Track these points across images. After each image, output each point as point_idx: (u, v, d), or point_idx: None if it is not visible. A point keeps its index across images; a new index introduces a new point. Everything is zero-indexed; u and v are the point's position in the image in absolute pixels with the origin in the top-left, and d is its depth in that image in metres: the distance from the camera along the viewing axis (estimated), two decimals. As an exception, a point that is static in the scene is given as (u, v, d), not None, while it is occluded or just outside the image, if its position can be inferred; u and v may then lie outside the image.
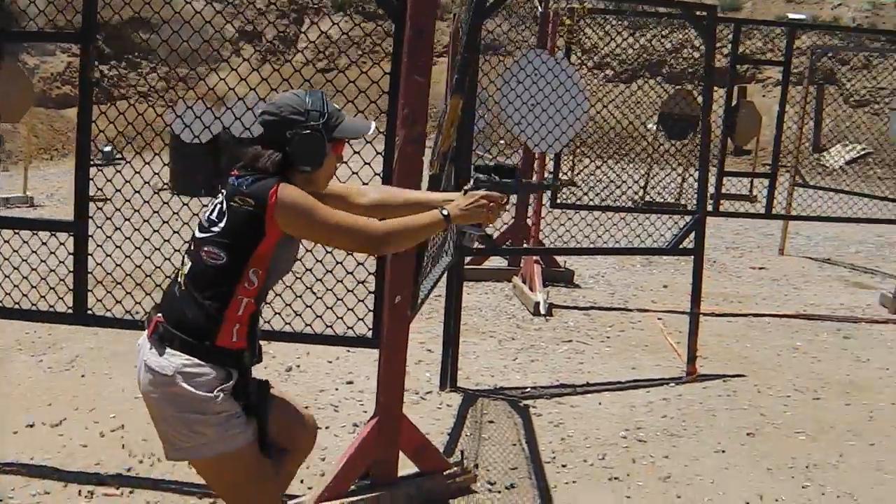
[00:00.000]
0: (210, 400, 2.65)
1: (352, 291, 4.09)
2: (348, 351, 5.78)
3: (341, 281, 4.15)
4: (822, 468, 4.53)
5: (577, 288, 8.30)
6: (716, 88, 5.88)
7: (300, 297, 4.17)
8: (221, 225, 2.70)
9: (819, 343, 6.79)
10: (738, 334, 6.97)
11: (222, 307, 2.70)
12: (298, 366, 5.74)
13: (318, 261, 4.12)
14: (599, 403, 5.38)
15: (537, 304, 7.33)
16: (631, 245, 7.72)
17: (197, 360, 2.66)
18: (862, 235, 11.67)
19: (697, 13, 5.74)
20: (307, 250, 3.95)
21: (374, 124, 2.97)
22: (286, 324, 4.16)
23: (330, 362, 5.79)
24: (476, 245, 3.32)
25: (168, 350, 2.68)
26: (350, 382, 5.44)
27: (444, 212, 2.86)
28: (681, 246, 5.88)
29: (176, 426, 2.69)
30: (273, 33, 22.01)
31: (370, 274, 3.95)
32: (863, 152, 18.62)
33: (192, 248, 2.77)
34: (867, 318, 7.61)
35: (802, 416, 5.24)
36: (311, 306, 4.20)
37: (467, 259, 7.67)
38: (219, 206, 2.74)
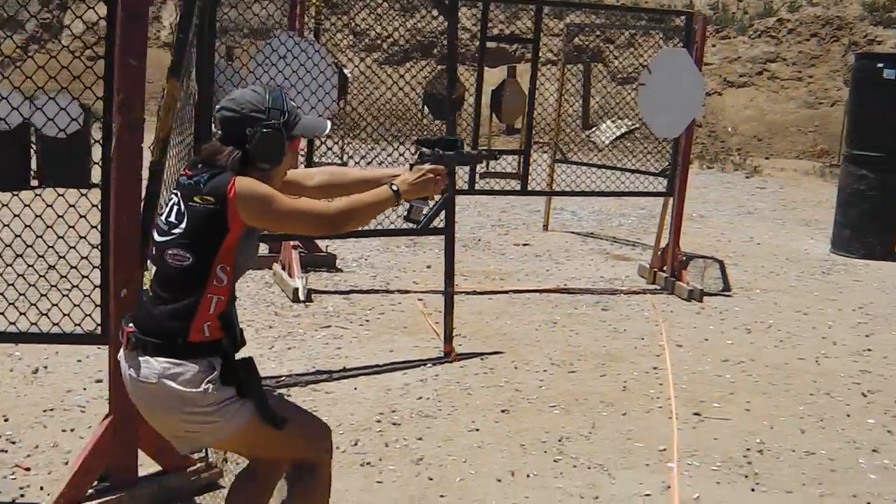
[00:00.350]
0: (201, 394, 2.82)
1: (77, 287, 4.09)
2: (98, 349, 5.71)
3: (66, 276, 4.14)
4: (575, 440, 4.93)
5: (340, 272, 8.49)
6: (488, 68, 6.13)
7: (24, 294, 4.12)
8: (183, 226, 2.83)
9: (578, 316, 7.27)
10: (499, 311, 7.37)
11: (192, 308, 2.83)
12: (46, 367, 5.67)
13: (39, 256, 4.09)
14: (355, 388, 5.59)
15: (296, 290, 7.47)
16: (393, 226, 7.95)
17: (175, 360, 2.81)
18: (626, 209, 12.46)
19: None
20: (28, 245, 3.93)
21: (329, 123, 3.23)
22: (10, 323, 4.10)
23: (79, 361, 5.74)
24: (422, 219, 3.70)
25: (143, 358, 2.84)
26: (99, 381, 5.38)
27: (394, 187, 3.12)
28: (431, 226, 6.14)
29: (179, 425, 2.88)
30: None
31: (95, 268, 3.96)
32: (631, 128, 19.72)
33: (155, 252, 2.91)
34: (625, 289, 8.20)
35: (557, 390, 5.64)
36: (35, 304, 4.16)
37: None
38: (175, 207, 2.87)
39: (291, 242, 8.02)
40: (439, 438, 4.88)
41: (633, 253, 9.83)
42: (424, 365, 6.04)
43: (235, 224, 2.83)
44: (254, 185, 2.85)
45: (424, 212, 3.49)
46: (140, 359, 2.85)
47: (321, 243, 8.72)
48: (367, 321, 7.00)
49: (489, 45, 7.65)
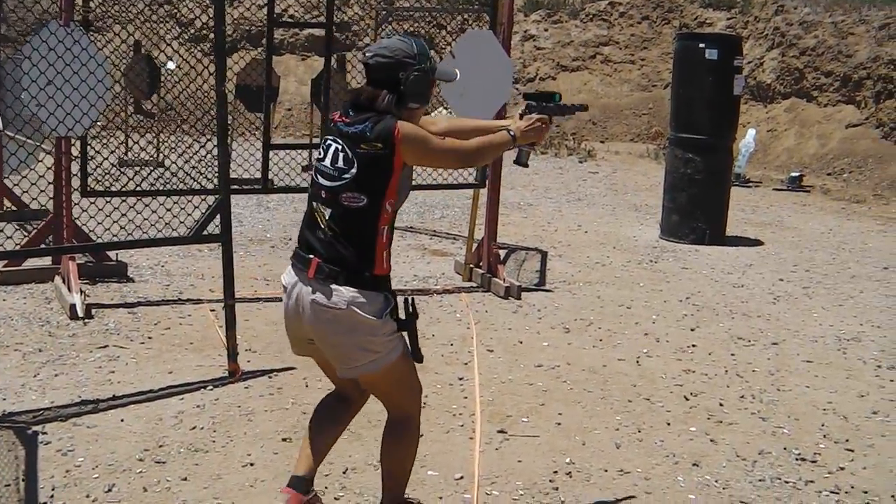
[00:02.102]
0: (381, 323, 3.32)
1: None
2: None
3: None
4: (361, 471, 4.41)
5: (131, 282, 7.70)
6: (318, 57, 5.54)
7: None
8: (353, 171, 3.28)
9: (384, 322, 6.69)
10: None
11: (372, 241, 3.30)
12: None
13: None
14: (122, 420, 4.91)
15: (72, 306, 6.69)
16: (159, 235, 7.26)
17: (363, 290, 3.28)
18: (450, 200, 11.97)
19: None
20: None
21: (457, 71, 3.77)
22: None
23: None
24: (528, 163, 3.95)
25: (334, 287, 3.28)
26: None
27: (511, 132, 3.65)
28: (206, 232, 5.49)
29: (351, 349, 3.35)
30: None
31: None
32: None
33: (325, 195, 3.33)
34: (438, 288, 7.68)
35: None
36: None
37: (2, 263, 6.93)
38: (342, 154, 3.31)
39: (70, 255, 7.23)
40: (207, 477, 4.27)
41: (452, 247, 9.32)
42: (205, 387, 5.39)
43: (398, 163, 3.28)
44: (414, 129, 3.33)
45: (531, 157, 3.94)
46: (332, 286, 3.28)
47: (111, 253, 7.91)
48: (150, 338, 6.28)
49: (316, 32, 7.03)
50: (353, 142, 3.28)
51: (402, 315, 3.42)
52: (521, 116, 3.76)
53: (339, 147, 3.32)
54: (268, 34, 6.92)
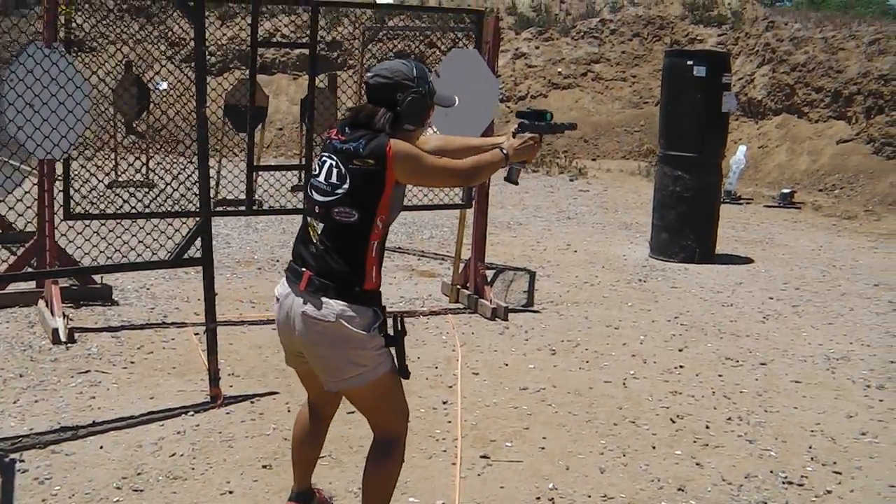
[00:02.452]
0: (369, 337, 3.38)
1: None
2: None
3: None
4: (342, 499, 4.34)
5: (116, 305, 7.64)
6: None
7: None
8: (346, 186, 3.35)
9: (369, 344, 6.64)
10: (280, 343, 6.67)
11: (362, 256, 3.38)
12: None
13: None
14: (101, 447, 4.86)
15: (55, 330, 6.63)
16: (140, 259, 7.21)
17: (352, 304, 3.34)
18: (439, 220, 11.93)
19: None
20: None
21: (456, 97, 3.84)
22: None
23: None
24: (519, 181, 4.01)
25: (324, 299, 3.35)
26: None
27: (504, 151, 3.73)
28: (187, 255, 5.44)
29: (339, 363, 3.40)
30: None
31: None
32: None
33: (318, 210, 3.42)
34: (425, 310, 7.63)
35: (331, 435, 4.92)
36: None
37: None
38: (335, 170, 3.40)
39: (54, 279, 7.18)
40: (185, 506, 4.20)
41: (440, 268, 9.28)
42: (186, 413, 5.33)
43: (390, 180, 3.35)
44: (407, 146, 3.41)
45: (521, 174, 3.97)
46: (322, 299, 3.35)
47: (96, 277, 7.85)
48: (133, 362, 6.22)
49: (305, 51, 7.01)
50: (346, 158, 3.38)
51: (390, 331, 3.48)
52: (514, 135, 3.85)
53: (334, 163, 3.42)
54: (251, 54, 6.86)
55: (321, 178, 3.45)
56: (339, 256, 3.37)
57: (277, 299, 3.56)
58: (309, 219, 3.49)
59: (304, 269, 3.43)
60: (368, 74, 3.55)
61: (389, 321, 3.48)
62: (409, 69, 3.49)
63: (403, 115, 3.45)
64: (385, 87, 3.46)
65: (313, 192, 3.48)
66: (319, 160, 3.51)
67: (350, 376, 3.42)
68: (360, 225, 3.35)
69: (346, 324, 3.33)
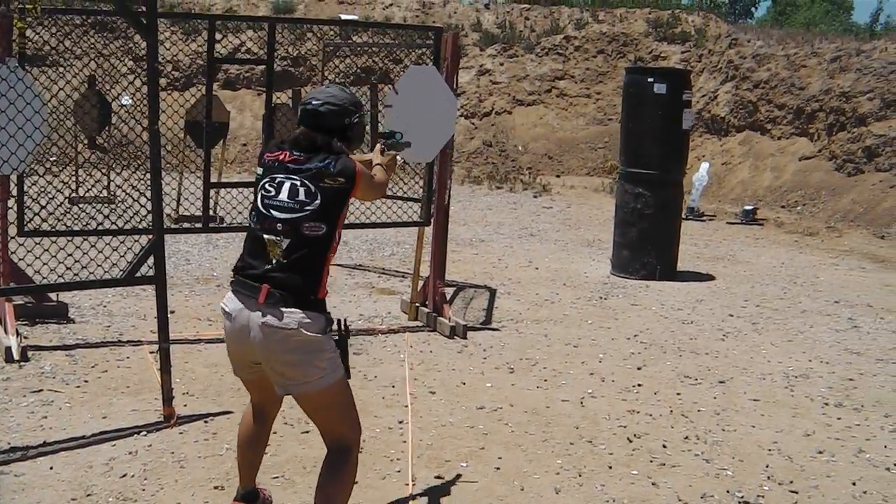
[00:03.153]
0: (324, 340, 3.64)
1: None
2: None
3: None
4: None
5: (72, 323, 7.54)
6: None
7: None
8: (317, 203, 3.62)
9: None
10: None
11: (321, 267, 3.67)
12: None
13: None
14: (51, 468, 4.78)
15: (7, 349, 6.54)
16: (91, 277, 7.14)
17: (309, 312, 3.57)
18: (401, 237, 11.90)
19: (135, 9, 5.27)
20: None
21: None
22: None
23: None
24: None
25: (284, 309, 3.54)
26: None
27: (379, 164, 4.23)
28: (139, 273, 5.38)
29: (300, 367, 3.61)
30: None
31: None
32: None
33: (282, 227, 3.62)
34: (384, 328, 7.59)
35: (285, 456, 5.01)
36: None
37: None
38: (301, 188, 3.64)
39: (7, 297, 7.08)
40: (133, 530, 4.15)
41: (401, 286, 9.23)
42: (139, 433, 5.27)
43: (351, 197, 3.74)
44: (364, 168, 3.85)
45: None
46: (282, 309, 3.54)
47: (52, 294, 7.76)
48: (87, 381, 6.14)
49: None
50: (315, 177, 3.64)
51: (334, 336, 3.74)
52: (382, 152, 4.35)
53: (298, 182, 3.65)
54: (208, 70, 6.83)
55: (282, 198, 3.65)
56: (302, 268, 3.60)
57: (229, 314, 3.72)
58: (266, 236, 3.65)
59: (260, 284, 3.60)
60: (316, 101, 3.79)
61: (334, 326, 3.74)
62: (349, 95, 3.86)
63: (353, 138, 3.86)
64: (334, 113, 3.77)
65: (272, 212, 3.66)
66: (272, 181, 3.71)
67: (309, 380, 3.61)
68: (326, 237, 3.64)
69: (304, 330, 3.55)
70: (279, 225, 3.63)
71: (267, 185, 3.72)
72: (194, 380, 6.19)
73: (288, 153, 3.74)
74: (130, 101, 12.50)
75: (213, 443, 5.16)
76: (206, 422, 5.47)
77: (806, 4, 49.33)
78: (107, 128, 13.87)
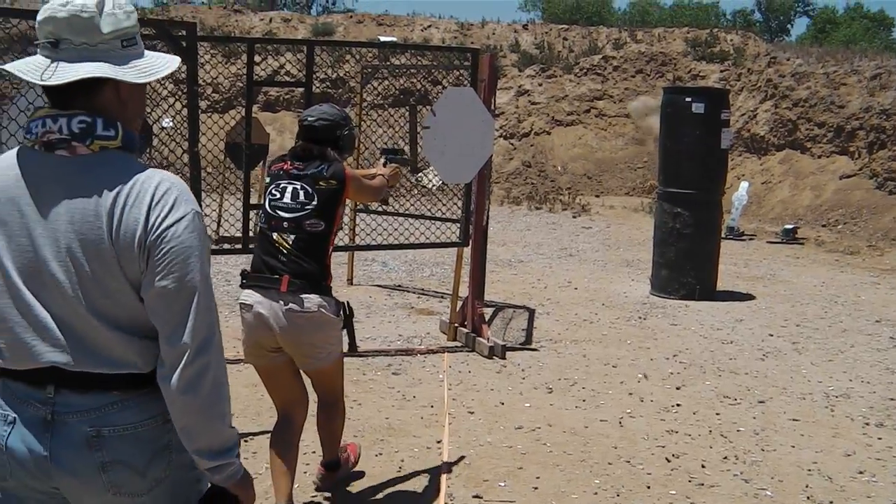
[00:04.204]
0: (338, 319, 4.31)
1: None
2: None
3: None
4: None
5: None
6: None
7: None
8: (315, 203, 4.25)
9: (364, 383, 6.65)
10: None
11: (325, 257, 4.29)
12: None
13: None
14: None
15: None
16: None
17: (324, 296, 4.18)
18: (440, 257, 11.92)
19: (175, 33, 5.35)
20: None
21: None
22: None
23: None
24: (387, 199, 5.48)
25: (304, 296, 4.13)
26: None
27: (381, 175, 4.83)
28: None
29: (319, 345, 4.25)
30: None
31: None
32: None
33: (287, 225, 4.24)
34: (423, 348, 7.61)
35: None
36: None
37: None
38: (301, 191, 4.27)
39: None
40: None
41: (440, 306, 9.25)
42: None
43: (345, 197, 4.38)
44: (353, 171, 4.52)
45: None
46: (302, 296, 4.13)
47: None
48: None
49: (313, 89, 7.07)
50: (312, 180, 4.27)
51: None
52: (385, 165, 4.98)
53: (298, 186, 4.28)
54: (248, 93, 6.91)
55: (286, 200, 4.28)
56: (310, 259, 4.20)
57: (250, 306, 4.19)
58: (275, 234, 4.25)
59: (279, 276, 4.14)
60: (311, 118, 4.43)
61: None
62: (338, 110, 4.52)
63: (344, 147, 4.49)
64: (327, 127, 4.41)
65: (279, 212, 4.28)
66: (277, 187, 4.32)
67: (324, 354, 4.28)
68: (326, 232, 4.27)
69: (324, 311, 4.18)
70: (285, 223, 4.25)
71: (273, 190, 4.32)
72: (235, 399, 6.15)
73: (290, 163, 4.37)
74: (171, 123, 12.63)
75: (253, 462, 5.19)
76: (245, 441, 5.50)
77: (846, 22, 48.99)
78: (148, 150, 14.05)
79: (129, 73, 2.25)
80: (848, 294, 10.69)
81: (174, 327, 2.18)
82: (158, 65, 2.34)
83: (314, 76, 6.98)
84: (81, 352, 2.19)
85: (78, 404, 2.20)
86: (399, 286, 10.32)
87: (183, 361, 2.17)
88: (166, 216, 2.16)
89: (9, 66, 2.19)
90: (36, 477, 2.23)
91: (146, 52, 2.35)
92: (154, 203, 2.15)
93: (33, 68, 2.16)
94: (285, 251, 4.20)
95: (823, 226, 15.87)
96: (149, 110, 14.79)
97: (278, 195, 4.29)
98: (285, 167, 4.36)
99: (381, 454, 5.34)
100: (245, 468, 2.37)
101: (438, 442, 5.53)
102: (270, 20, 25.21)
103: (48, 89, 2.19)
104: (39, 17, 2.17)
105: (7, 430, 2.22)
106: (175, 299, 2.17)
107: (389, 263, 11.54)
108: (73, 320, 2.18)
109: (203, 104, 20.51)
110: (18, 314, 2.19)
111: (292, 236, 4.22)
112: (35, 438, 2.20)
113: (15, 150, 2.26)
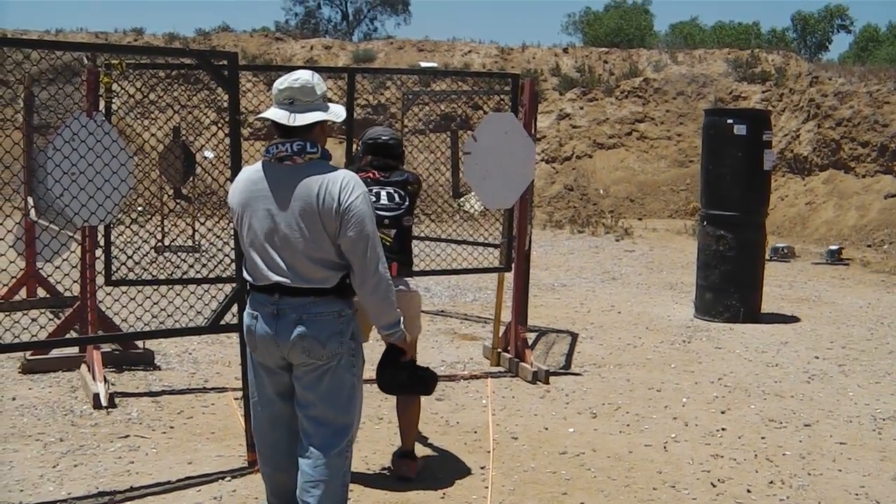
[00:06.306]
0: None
1: None
2: None
3: None
4: None
5: (157, 370, 7.70)
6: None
7: None
8: (407, 203, 5.26)
9: (408, 409, 6.62)
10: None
11: (411, 245, 5.40)
12: None
13: None
14: (138, 513, 4.86)
15: (96, 395, 6.70)
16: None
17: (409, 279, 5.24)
18: (483, 283, 11.92)
19: (215, 62, 5.42)
20: None
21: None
22: None
23: None
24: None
25: (406, 279, 5.18)
26: None
27: (400, 328, 4.82)
28: (223, 322, 5.50)
29: (415, 318, 5.18)
30: None
31: None
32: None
33: (388, 222, 5.14)
34: (466, 373, 7.60)
35: (368, 502, 5.00)
36: None
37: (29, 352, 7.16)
38: (396, 194, 5.26)
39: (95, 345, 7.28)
40: (220, 574, 4.21)
41: (483, 331, 9.25)
42: (224, 478, 5.34)
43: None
44: None
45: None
46: (406, 279, 5.18)
47: (138, 342, 7.94)
48: (172, 427, 6.26)
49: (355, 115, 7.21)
50: (401, 185, 5.30)
51: None
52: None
53: (392, 191, 5.27)
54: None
55: (384, 202, 5.21)
56: (404, 247, 5.24)
57: None
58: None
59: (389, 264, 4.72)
60: (385, 136, 5.43)
61: None
62: (396, 132, 5.45)
63: (402, 160, 5.55)
64: (398, 144, 5.50)
65: (380, 212, 5.00)
66: (370, 192, 4.61)
67: (417, 323, 5.34)
68: (411, 226, 5.32)
69: (417, 290, 5.30)
70: (386, 220, 5.12)
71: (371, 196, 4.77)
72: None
73: (375, 173, 5.29)
74: (213, 154, 12.79)
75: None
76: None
77: (888, 40, 48.50)
78: (191, 178, 14.22)
79: (331, 116, 3.85)
80: (894, 315, 10.54)
81: (360, 258, 3.70)
82: (340, 111, 3.93)
83: (355, 102, 7.05)
84: (294, 275, 3.71)
85: (291, 304, 3.74)
86: (442, 311, 10.34)
87: (369, 275, 3.72)
88: (349, 195, 3.66)
89: (265, 114, 3.80)
90: (269, 348, 3.81)
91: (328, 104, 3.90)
92: (342, 188, 3.66)
93: (282, 116, 3.75)
94: (388, 244, 4.98)
95: (868, 246, 15.68)
96: (192, 138, 15.01)
97: (374, 199, 4.98)
98: (371, 176, 5.25)
99: (424, 480, 5.33)
100: (405, 331, 4.06)
101: (482, 468, 5.53)
102: (311, 47, 25.43)
103: (279, 125, 3.76)
104: (280, 86, 3.77)
105: (255, 322, 3.83)
106: (359, 243, 3.68)
107: (432, 289, 11.54)
108: (291, 258, 3.71)
109: (245, 132, 20.72)
110: (261, 257, 3.77)
111: (393, 230, 5.16)
112: (267, 325, 3.78)
113: (259, 163, 3.84)
